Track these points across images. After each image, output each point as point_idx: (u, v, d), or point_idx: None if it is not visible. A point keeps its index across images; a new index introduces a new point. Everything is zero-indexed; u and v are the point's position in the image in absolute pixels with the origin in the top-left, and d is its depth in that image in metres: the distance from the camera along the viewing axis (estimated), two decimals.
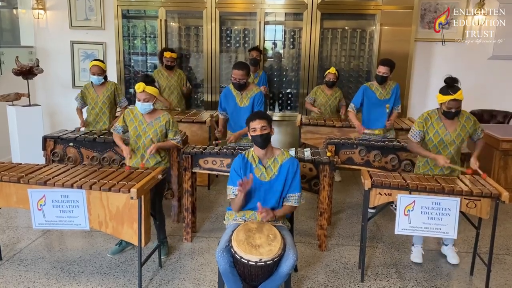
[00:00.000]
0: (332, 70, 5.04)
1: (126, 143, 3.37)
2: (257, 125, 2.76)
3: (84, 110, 4.45)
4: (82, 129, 4.43)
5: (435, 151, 3.24)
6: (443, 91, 3.14)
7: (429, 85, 5.93)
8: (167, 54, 5.29)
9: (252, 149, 2.91)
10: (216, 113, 4.42)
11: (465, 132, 3.23)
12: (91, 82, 4.29)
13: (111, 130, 3.49)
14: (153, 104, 3.21)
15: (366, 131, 4.25)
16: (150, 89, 3.15)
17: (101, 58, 6.12)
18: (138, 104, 3.19)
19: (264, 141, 2.77)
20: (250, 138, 2.83)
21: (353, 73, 5.78)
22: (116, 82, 4.60)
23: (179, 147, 3.47)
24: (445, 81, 3.16)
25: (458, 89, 3.08)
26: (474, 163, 3.18)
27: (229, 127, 4.17)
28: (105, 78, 4.36)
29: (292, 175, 2.82)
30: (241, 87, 3.88)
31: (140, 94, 3.15)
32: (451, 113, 3.13)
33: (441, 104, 3.18)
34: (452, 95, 3.06)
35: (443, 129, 3.21)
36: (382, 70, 4.17)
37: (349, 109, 4.38)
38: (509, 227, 4.19)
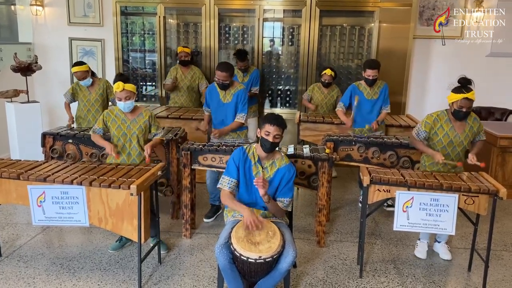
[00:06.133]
0: (328, 71, 5.05)
1: (106, 138, 3.37)
2: (273, 131, 2.71)
3: (73, 105, 4.51)
4: (73, 125, 4.45)
5: (444, 153, 3.24)
6: (456, 90, 3.12)
7: (427, 82, 5.95)
8: (179, 49, 5.36)
9: (255, 145, 2.91)
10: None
11: (472, 133, 3.25)
12: None
13: (90, 132, 3.45)
14: (133, 101, 3.25)
15: (355, 129, 4.30)
16: (129, 86, 3.18)
17: (99, 55, 6.15)
18: (120, 103, 3.20)
19: (272, 148, 2.77)
20: (259, 138, 2.80)
21: (352, 70, 5.78)
22: (107, 80, 4.61)
23: (164, 141, 3.51)
24: (458, 81, 3.15)
25: (471, 90, 3.08)
26: (471, 158, 3.18)
27: (213, 124, 4.15)
28: (93, 75, 4.37)
29: (285, 182, 2.81)
30: (225, 87, 3.90)
31: (120, 93, 3.15)
32: (462, 112, 3.11)
33: (452, 103, 3.14)
34: (465, 93, 3.05)
35: (452, 131, 3.22)
36: (371, 73, 4.18)
37: (338, 108, 4.44)
38: (507, 224, 4.21)
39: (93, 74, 4.41)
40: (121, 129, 3.28)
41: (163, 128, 3.52)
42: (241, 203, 2.76)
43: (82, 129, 4.19)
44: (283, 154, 2.93)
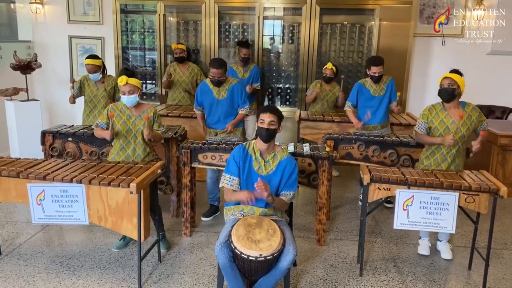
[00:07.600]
0: (329, 65, 5.02)
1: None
2: (266, 118, 2.75)
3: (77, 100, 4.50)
4: (75, 87, 4.40)
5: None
6: None
7: (428, 80, 5.93)
8: (174, 46, 5.33)
9: (254, 141, 2.90)
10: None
11: (471, 121, 3.24)
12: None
13: (93, 127, 3.42)
14: (138, 96, 3.23)
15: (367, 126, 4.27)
16: (133, 81, 3.18)
17: (99, 53, 6.11)
18: (123, 98, 3.20)
19: (268, 136, 2.77)
20: (256, 128, 2.82)
21: (352, 68, 5.77)
22: (116, 77, 4.59)
23: (162, 137, 3.52)
24: (450, 71, 3.26)
25: (457, 74, 3.19)
26: (475, 144, 3.20)
27: (206, 122, 4.14)
28: (104, 72, 4.36)
29: (288, 173, 2.82)
30: (219, 83, 3.92)
31: (124, 87, 3.16)
32: (443, 90, 3.20)
33: (439, 86, 3.26)
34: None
35: (448, 118, 3.24)
36: (376, 70, 4.16)
37: (346, 108, 4.40)
38: (507, 222, 4.21)
39: (103, 71, 4.40)
40: (126, 125, 3.28)
41: (164, 127, 3.53)
42: (239, 192, 2.81)
43: (82, 127, 4.18)
44: (283, 147, 2.94)
